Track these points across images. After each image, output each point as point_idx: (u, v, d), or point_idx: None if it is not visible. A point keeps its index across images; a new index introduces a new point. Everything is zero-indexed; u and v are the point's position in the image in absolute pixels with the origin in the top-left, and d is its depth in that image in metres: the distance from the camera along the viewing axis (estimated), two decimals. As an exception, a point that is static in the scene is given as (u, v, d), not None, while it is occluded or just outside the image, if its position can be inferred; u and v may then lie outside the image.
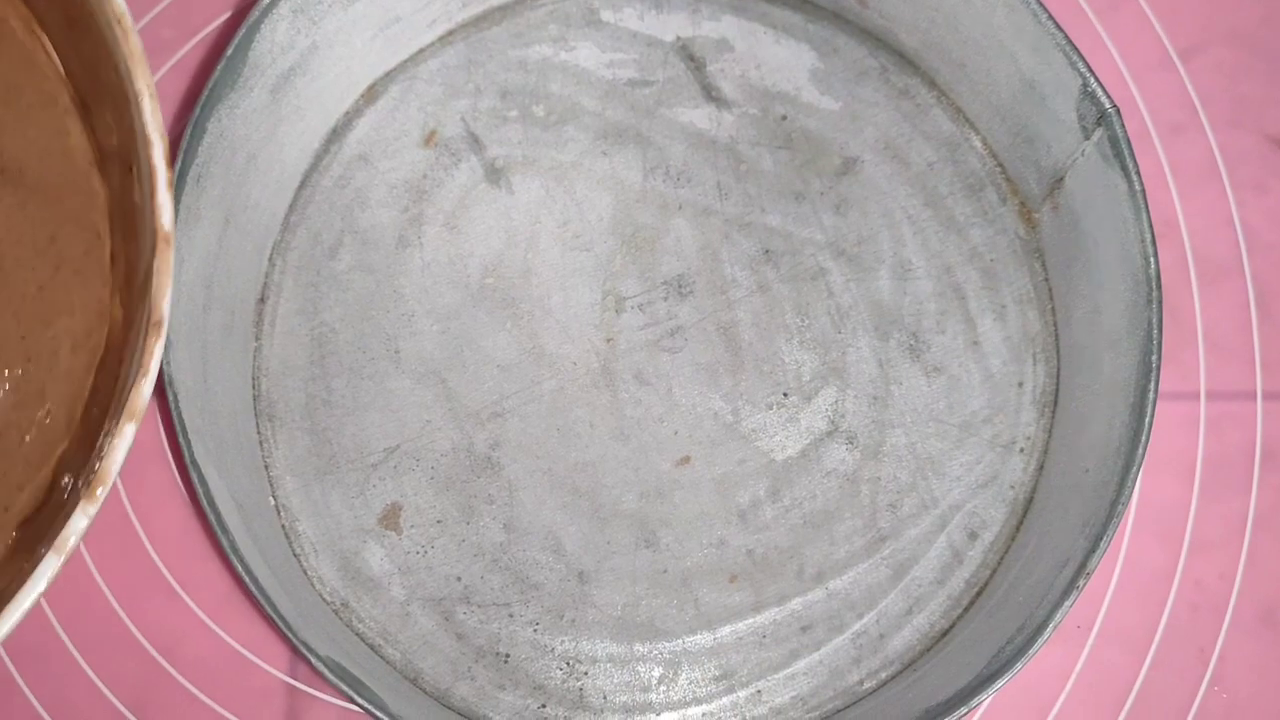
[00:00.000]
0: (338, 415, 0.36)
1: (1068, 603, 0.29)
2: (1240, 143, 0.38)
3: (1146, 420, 0.29)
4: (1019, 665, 0.28)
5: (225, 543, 0.29)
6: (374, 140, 0.38)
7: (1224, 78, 0.38)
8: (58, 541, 0.22)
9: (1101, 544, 0.29)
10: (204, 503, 0.29)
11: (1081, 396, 0.34)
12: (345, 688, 0.29)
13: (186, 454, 0.29)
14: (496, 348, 0.36)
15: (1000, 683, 0.28)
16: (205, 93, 0.32)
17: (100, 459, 0.23)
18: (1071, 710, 0.35)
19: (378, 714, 0.29)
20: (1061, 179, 0.34)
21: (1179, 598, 0.35)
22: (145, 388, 0.24)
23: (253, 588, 0.29)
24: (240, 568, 0.29)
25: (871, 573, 0.35)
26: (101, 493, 0.23)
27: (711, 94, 0.38)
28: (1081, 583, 0.29)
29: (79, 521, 0.22)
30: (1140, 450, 0.29)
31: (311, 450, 0.36)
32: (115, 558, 0.36)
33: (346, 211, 0.37)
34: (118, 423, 0.23)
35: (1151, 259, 0.30)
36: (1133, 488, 0.29)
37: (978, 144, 0.37)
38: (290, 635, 0.29)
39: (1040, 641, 0.29)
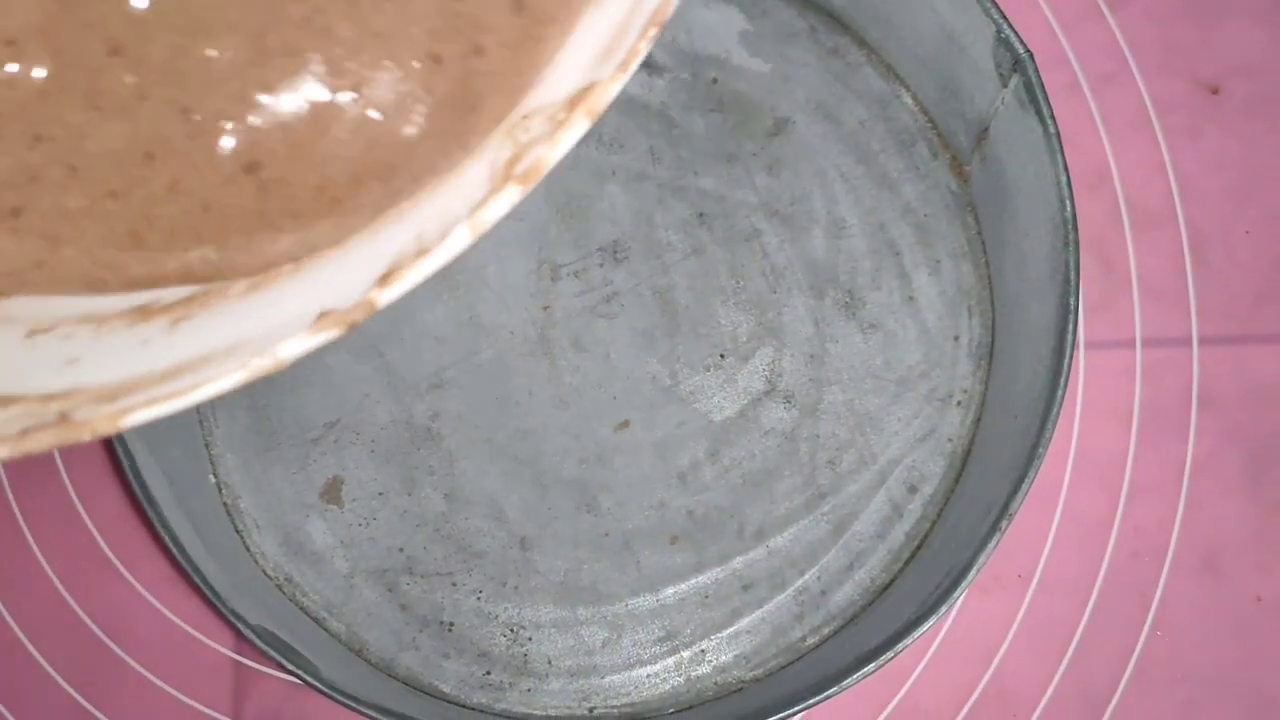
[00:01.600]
0: (277, 392, 0.36)
1: (990, 545, 0.29)
2: (1171, 89, 0.38)
3: (1065, 362, 0.29)
4: (942, 609, 0.28)
5: (152, 515, 0.29)
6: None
7: (1153, 25, 0.38)
8: (474, 220, 0.17)
9: (1022, 487, 0.29)
10: (130, 477, 0.29)
11: (1014, 347, 0.34)
12: (276, 655, 0.29)
13: (112, 429, 0.30)
14: (434, 320, 0.36)
15: (924, 627, 0.28)
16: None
17: (538, 145, 0.18)
18: (1015, 658, 0.35)
19: (309, 680, 0.29)
20: (986, 129, 0.34)
21: (1119, 544, 0.36)
22: (612, 88, 0.18)
23: (180, 558, 0.29)
24: (167, 538, 0.29)
25: (812, 529, 0.35)
26: (531, 184, 0.18)
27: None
28: (1004, 525, 0.29)
29: (505, 199, 0.18)
30: (1059, 392, 0.29)
31: (251, 427, 0.36)
32: (58, 540, 0.36)
33: (280, 189, 0.37)
34: (571, 113, 0.18)
35: (1067, 202, 0.30)
36: (1053, 430, 0.29)
37: (908, 100, 0.37)
38: (219, 604, 0.29)
39: (963, 585, 0.29)
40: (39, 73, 0.18)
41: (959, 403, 0.36)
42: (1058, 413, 0.29)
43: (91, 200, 0.19)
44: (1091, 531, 0.36)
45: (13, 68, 0.18)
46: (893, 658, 0.29)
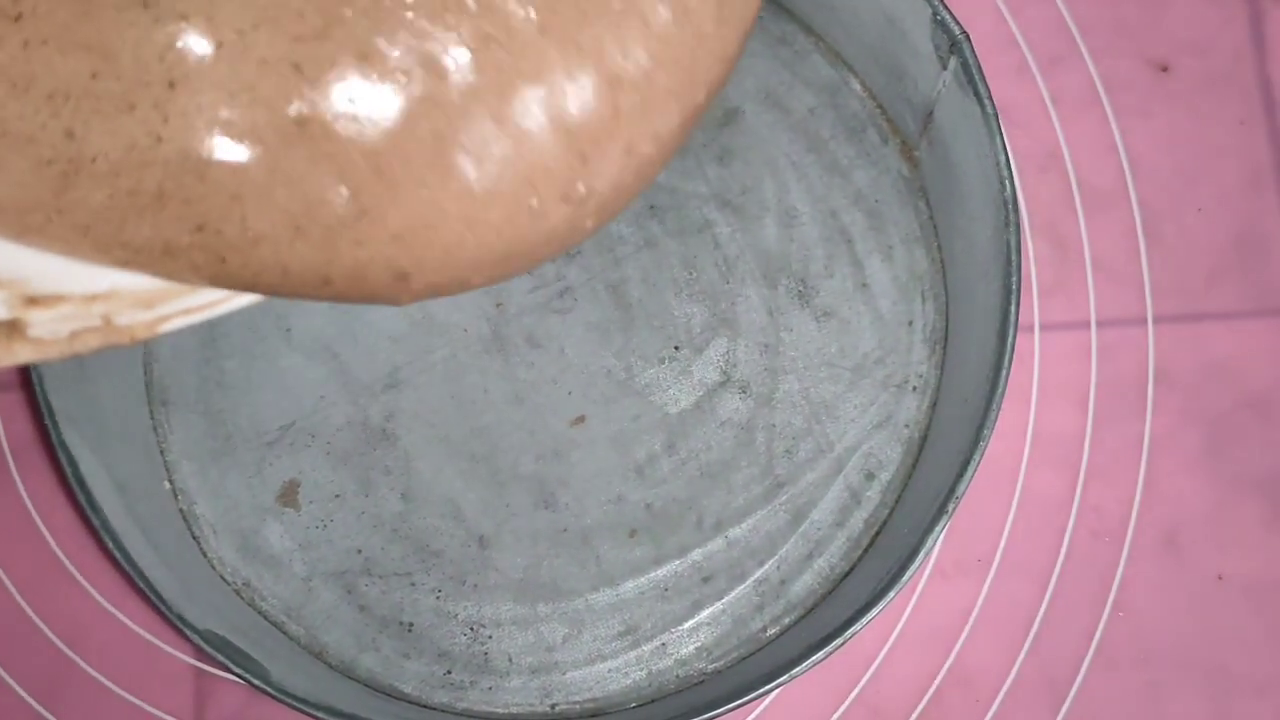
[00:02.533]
0: (232, 396, 0.36)
1: (937, 529, 0.29)
2: (1121, 69, 0.38)
3: (1009, 343, 0.29)
4: (891, 594, 0.28)
5: (96, 521, 0.29)
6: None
7: (1101, 4, 0.38)
8: None
9: (969, 470, 0.29)
10: (72, 483, 0.29)
11: (965, 330, 0.34)
12: (224, 659, 0.29)
13: (54, 436, 0.29)
14: (387, 320, 0.36)
15: (873, 613, 0.28)
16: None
17: None
18: (977, 643, 0.35)
19: (258, 684, 0.29)
20: (931, 113, 0.34)
21: (1078, 525, 0.35)
22: None
23: (125, 563, 0.29)
24: (111, 543, 0.29)
25: (770, 519, 0.35)
26: None
27: (590, 54, 0.38)
28: (951, 508, 0.29)
29: None
30: (1003, 374, 0.29)
31: (207, 433, 0.36)
32: (15, 550, 0.36)
33: (231, 193, 0.37)
34: None
35: (1007, 182, 0.30)
36: (997, 412, 0.29)
37: (856, 86, 0.37)
38: (164, 609, 0.29)
39: (911, 570, 0.29)
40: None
41: (914, 388, 0.36)
42: (1002, 394, 0.29)
43: (214, 278, 0.18)
44: (1050, 513, 0.35)
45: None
46: (843, 644, 0.29)
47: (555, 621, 0.35)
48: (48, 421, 0.30)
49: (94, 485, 0.30)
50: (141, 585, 0.29)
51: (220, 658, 0.29)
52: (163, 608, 0.29)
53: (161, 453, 0.36)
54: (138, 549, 0.30)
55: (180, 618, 0.29)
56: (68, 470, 0.29)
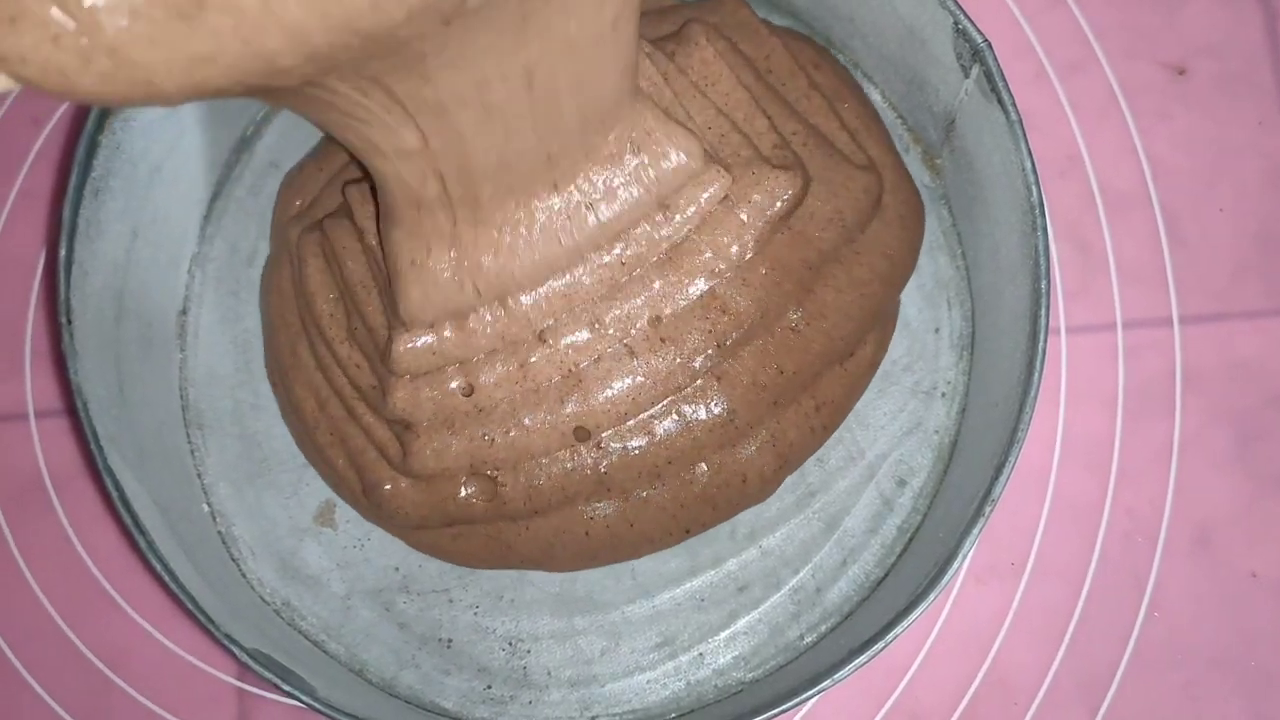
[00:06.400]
0: (266, 419, 0.36)
1: (974, 533, 0.29)
2: (1138, 73, 0.38)
3: (1040, 346, 0.29)
4: (930, 598, 0.28)
5: (142, 543, 0.29)
6: (283, 147, 0.38)
7: (1116, 9, 0.38)
8: None
9: (1004, 473, 0.29)
10: (118, 506, 0.29)
11: (992, 335, 0.34)
12: (272, 677, 0.29)
13: (100, 461, 0.30)
14: (418, 339, 0.37)
15: (913, 616, 0.28)
16: (95, 107, 0.33)
17: None
18: (1013, 646, 0.35)
19: (307, 700, 0.29)
20: (953, 121, 0.34)
21: (1111, 527, 0.36)
22: None
23: (172, 585, 0.29)
24: (159, 566, 0.29)
25: (804, 528, 0.35)
26: None
27: (612, 72, 0.38)
28: (987, 511, 0.29)
29: None
30: (1036, 377, 0.29)
31: (243, 455, 0.36)
32: (57, 576, 0.36)
33: (261, 218, 0.38)
34: None
35: (1033, 187, 0.30)
36: (1030, 415, 0.29)
37: (876, 96, 0.37)
38: (212, 629, 0.29)
39: (949, 573, 0.29)
40: None
41: (943, 394, 0.36)
42: (1035, 397, 0.29)
43: None
44: (1083, 515, 0.36)
45: None
46: (883, 649, 0.29)
47: (593, 634, 0.35)
48: (93, 446, 0.30)
49: (138, 508, 0.30)
50: (189, 606, 0.29)
51: (269, 676, 0.29)
52: (211, 628, 0.29)
53: (199, 476, 0.36)
54: (183, 571, 0.30)
55: (229, 637, 0.29)
56: (113, 494, 0.30)
